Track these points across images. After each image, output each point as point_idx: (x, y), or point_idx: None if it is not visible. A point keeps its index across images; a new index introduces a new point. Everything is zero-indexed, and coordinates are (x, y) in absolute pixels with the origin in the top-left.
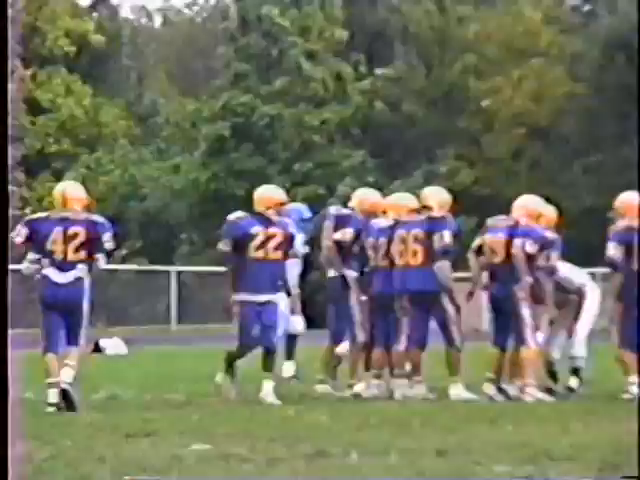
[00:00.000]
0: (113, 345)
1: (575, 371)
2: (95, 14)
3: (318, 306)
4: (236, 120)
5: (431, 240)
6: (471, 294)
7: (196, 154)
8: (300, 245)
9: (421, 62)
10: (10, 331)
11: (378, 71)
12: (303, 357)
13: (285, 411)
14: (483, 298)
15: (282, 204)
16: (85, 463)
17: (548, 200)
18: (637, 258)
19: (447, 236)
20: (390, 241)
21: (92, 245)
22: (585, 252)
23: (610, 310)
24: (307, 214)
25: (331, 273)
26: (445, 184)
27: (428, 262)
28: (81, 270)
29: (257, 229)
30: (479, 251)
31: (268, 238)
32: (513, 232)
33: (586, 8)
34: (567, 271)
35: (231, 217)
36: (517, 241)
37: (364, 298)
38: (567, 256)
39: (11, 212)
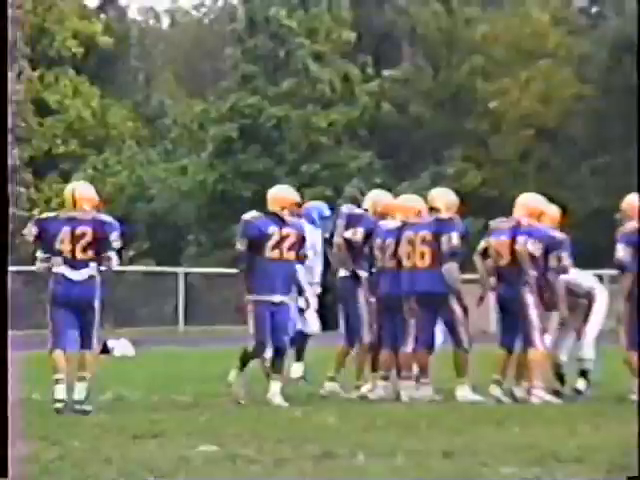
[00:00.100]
0: (120, 346)
1: (583, 373)
2: (103, 15)
3: (328, 307)
4: (243, 121)
5: (439, 242)
6: (482, 299)
7: (203, 155)
8: (319, 243)
9: (428, 63)
10: (10, 332)
11: (385, 72)
12: (312, 358)
13: (292, 412)
14: (491, 299)
15: (296, 204)
16: (92, 464)
17: (555, 202)
18: None
19: (455, 238)
20: (398, 242)
21: (100, 244)
22: (593, 254)
23: (618, 312)
24: (327, 212)
25: (342, 273)
26: (452, 185)
27: (436, 264)
28: (92, 269)
29: (273, 229)
30: (484, 254)
31: (282, 238)
32: (515, 233)
33: (594, 10)
34: (575, 275)
35: (247, 217)
36: (520, 241)
37: (372, 299)
38: (575, 258)
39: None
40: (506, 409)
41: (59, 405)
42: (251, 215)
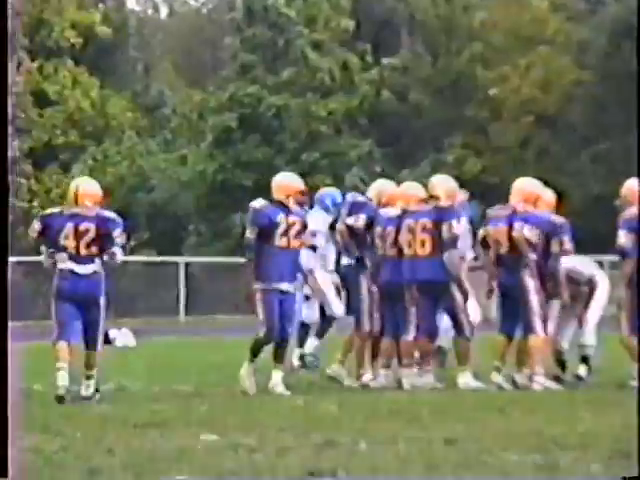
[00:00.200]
0: (122, 336)
1: (584, 359)
2: (101, 5)
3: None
4: (243, 111)
5: (439, 230)
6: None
7: (203, 145)
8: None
9: (428, 51)
10: (11, 323)
11: (385, 61)
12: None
13: (294, 401)
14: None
15: (301, 192)
16: (95, 455)
17: (555, 188)
18: None
19: (455, 225)
20: (398, 230)
21: (103, 241)
22: (593, 240)
23: (618, 298)
24: (340, 199)
25: (344, 260)
26: (452, 173)
27: (436, 252)
28: (97, 264)
29: (281, 217)
30: (484, 242)
31: (289, 226)
32: (512, 220)
33: None
34: (576, 263)
35: (256, 205)
36: (516, 227)
37: (374, 288)
38: (575, 244)
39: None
40: (508, 396)
41: (61, 392)
42: (260, 203)
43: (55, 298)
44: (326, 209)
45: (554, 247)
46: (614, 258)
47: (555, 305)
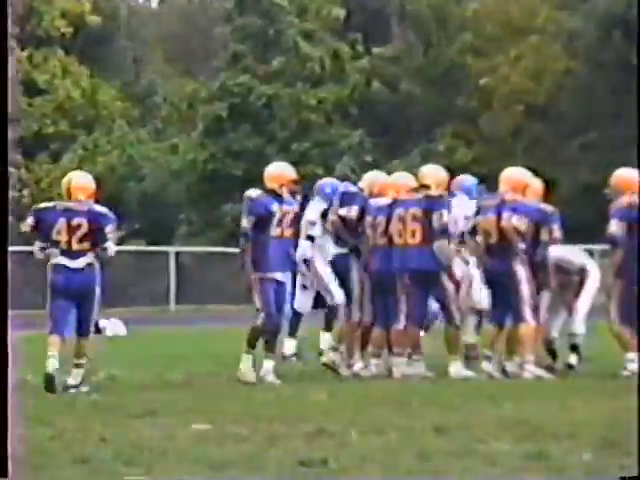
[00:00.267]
0: (112, 326)
1: (574, 348)
2: None
3: None
4: (233, 100)
5: (429, 219)
6: None
7: (194, 134)
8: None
9: (419, 41)
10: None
11: (375, 50)
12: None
13: (285, 390)
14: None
15: (294, 181)
16: (86, 444)
17: (546, 178)
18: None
19: (446, 215)
20: (389, 220)
21: (95, 236)
22: (584, 229)
23: (608, 287)
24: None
25: (336, 250)
26: (443, 163)
27: (427, 241)
28: (90, 257)
29: (276, 207)
30: (474, 232)
31: (283, 216)
32: (501, 209)
33: None
34: (567, 252)
35: (252, 194)
36: (505, 217)
37: (365, 277)
38: (566, 233)
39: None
40: (498, 385)
41: (49, 370)
42: (256, 193)
43: (50, 292)
44: (328, 198)
45: (543, 235)
46: (605, 247)
47: (545, 294)
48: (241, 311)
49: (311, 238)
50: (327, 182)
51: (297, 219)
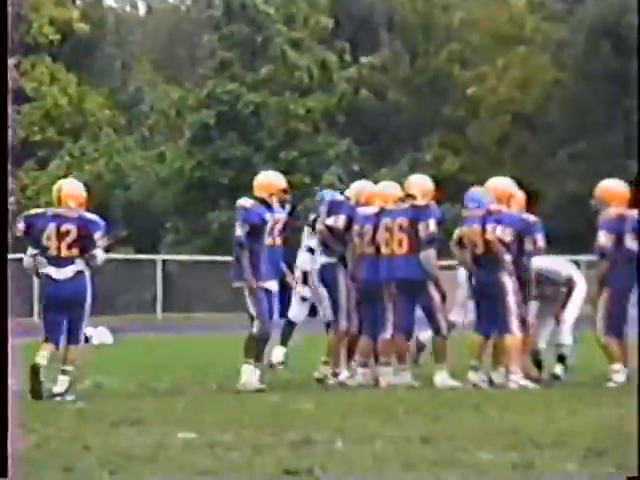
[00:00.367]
0: (98, 334)
1: (561, 358)
2: (79, 2)
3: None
4: (221, 108)
5: (415, 229)
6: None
7: (181, 142)
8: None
9: (406, 50)
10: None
11: (363, 59)
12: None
13: (271, 398)
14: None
15: (284, 190)
16: (70, 452)
17: (533, 188)
18: (638, 244)
19: (432, 225)
20: (376, 229)
21: (84, 242)
22: (571, 239)
23: (594, 297)
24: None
25: (323, 259)
26: (430, 172)
27: (413, 251)
28: (79, 264)
29: (268, 216)
30: (460, 243)
31: (274, 224)
32: (485, 220)
33: None
34: (554, 263)
35: (245, 203)
36: (489, 228)
37: (352, 286)
38: (553, 243)
39: None
40: (484, 395)
41: (38, 359)
42: (249, 202)
43: (41, 303)
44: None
45: (527, 245)
46: (591, 258)
47: (533, 305)
48: (228, 319)
49: (311, 250)
50: (326, 192)
51: (285, 228)
